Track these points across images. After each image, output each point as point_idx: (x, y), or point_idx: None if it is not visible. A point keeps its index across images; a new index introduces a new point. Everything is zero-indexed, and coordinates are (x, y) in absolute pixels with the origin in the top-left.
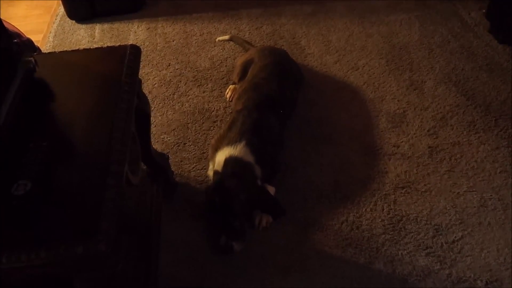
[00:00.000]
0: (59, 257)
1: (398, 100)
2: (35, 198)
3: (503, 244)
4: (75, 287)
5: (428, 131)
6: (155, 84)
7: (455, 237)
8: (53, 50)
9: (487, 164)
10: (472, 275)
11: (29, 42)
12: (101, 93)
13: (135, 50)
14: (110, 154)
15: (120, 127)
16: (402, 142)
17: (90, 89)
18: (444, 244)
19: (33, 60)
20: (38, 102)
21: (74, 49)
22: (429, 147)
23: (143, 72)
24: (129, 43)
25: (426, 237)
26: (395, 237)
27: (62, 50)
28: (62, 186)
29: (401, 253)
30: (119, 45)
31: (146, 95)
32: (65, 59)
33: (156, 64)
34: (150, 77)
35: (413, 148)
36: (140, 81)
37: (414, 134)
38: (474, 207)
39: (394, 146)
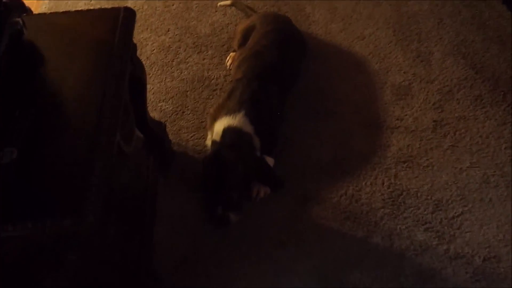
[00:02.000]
0: (45, 229)
1: (404, 72)
2: (21, 167)
3: (503, 221)
4: (68, 258)
5: (433, 104)
6: (153, 50)
7: (455, 213)
8: (48, 12)
9: (492, 140)
10: (470, 251)
11: (20, 3)
12: (92, 58)
13: (129, 13)
14: (100, 123)
15: (112, 94)
16: (406, 115)
17: (81, 53)
18: (444, 220)
19: (21, 21)
20: (25, 67)
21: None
22: (434, 121)
23: (141, 37)
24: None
25: (425, 212)
26: (394, 212)
27: (57, 11)
28: (50, 155)
29: (400, 228)
30: (112, 8)
31: (144, 61)
32: (56, 21)
33: (155, 29)
34: (148, 43)
35: (417, 122)
36: (134, 46)
37: (419, 107)
38: (476, 183)
39: (397, 119)
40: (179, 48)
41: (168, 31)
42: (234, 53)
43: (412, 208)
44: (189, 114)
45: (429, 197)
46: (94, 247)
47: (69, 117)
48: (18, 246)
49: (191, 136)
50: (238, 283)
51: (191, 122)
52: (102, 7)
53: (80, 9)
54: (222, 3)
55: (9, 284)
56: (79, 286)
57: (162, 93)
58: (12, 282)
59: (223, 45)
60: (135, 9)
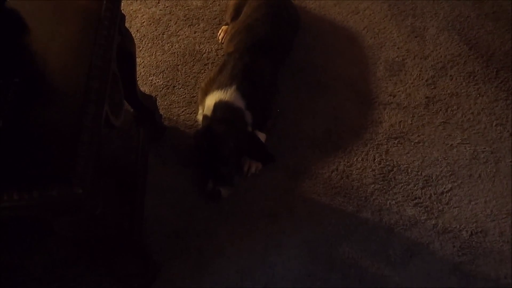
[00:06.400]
0: (33, 200)
1: (398, 48)
2: (6, 137)
3: (491, 197)
4: (54, 230)
5: (426, 80)
6: (143, 23)
7: (444, 188)
8: None
9: (484, 117)
10: (458, 226)
11: None
12: (78, 28)
13: None
14: (87, 93)
15: (99, 65)
16: (398, 91)
17: (66, 22)
18: (433, 195)
19: None
20: (9, 35)
21: None
22: (426, 97)
23: (130, 9)
24: None
25: (415, 187)
26: (385, 187)
27: None
28: (35, 126)
29: (389, 203)
30: None
31: (134, 33)
32: None
33: (145, 1)
34: (138, 15)
35: (409, 98)
36: (123, 16)
37: (412, 83)
38: (466, 159)
39: (390, 95)
40: (170, 20)
41: (158, 2)
42: (226, 26)
43: (402, 184)
44: (180, 88)
45: (419, 173)
46: (83, 218)
47: (55, 87)
48: (5, 217)
49: (182, 111)
50: (228, 256)
51: (182, 96)
52: None
53: None
54: None
55: None
56: (68, 256)
57: (152, 67)
58: (1, 252)
59: (215, 18)
60: None
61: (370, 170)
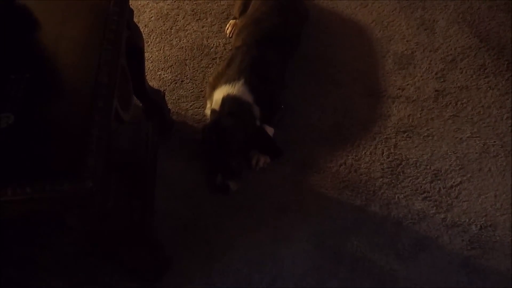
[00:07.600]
0: (45, 193)
1: (407, 41)
2: (18, 132)
3: (501, 190)
4: (67, 224)
5: (436, 74)
6: (151, 17)
7: (454, 182)
8: None
9: (494, 110)
10: (467, 220)
11: None
12: (87, 23)
13: None
14: (96, 88)
15: (108, 60)
16: (407, 84)
17: (76, 18)
18: (442, 189)
19: None
20: (19, 31)
21: None
22: (436, 90)
23: (138, 4)
24: None
25: (424, 181)
26: (393, 181)
27: None
28: (46, 120)
29: (398, 197)
30: None
31: (142, 28)
32: None
33: None
34: (146, 10)
35: (418, 92)
36: (131, 11)
37: (421, 76)
38: (476, 153)
39: (399, 88)
40: (178, 15)
41: None
42: (234, 20)
43: (410, 178)
44: (188, 83)
45: (428, 167)
46: (94, 211)
47: (65, 82)
48: (17, 210)
49: (191, 105)
50: (237, 250)
51: (190, 91)
52: None
53: None
54: None
55: (10, 247)
56: (79, 249)
57: (160, 61)
58: (13, 245)
59: (223, 12)
60: None
61: (379, 164)
